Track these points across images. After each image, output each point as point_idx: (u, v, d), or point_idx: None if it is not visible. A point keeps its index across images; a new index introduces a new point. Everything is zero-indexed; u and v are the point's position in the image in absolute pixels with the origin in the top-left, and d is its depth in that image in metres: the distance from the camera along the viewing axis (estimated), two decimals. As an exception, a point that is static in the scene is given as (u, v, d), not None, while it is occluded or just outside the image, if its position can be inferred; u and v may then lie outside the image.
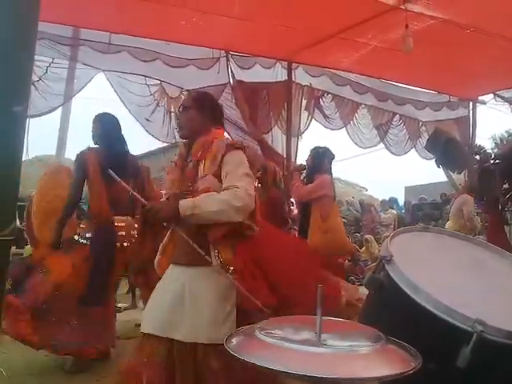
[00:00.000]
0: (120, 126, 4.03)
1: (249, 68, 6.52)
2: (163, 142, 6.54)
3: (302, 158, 6.78)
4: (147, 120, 6.22)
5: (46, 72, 5.48)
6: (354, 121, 7.51)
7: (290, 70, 6.76)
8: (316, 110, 7.13)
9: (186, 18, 5.20)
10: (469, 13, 4.92)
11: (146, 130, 6.26)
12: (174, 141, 6.37)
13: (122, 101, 6.03)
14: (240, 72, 6.48)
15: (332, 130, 7.35)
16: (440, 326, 1.55)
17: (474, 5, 4.73)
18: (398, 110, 7.87)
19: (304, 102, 7.00)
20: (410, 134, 8.04)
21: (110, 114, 4.08)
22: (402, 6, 4.81)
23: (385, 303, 1.85)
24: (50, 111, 5.63)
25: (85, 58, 5.61)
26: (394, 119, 7.90)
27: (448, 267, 1.94)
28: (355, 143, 7.62)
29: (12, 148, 1.55)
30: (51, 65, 5.49)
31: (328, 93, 7.20)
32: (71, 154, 6.05)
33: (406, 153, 8.10)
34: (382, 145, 7.91)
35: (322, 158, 4.88)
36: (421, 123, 8.13)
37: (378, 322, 1.56)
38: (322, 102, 7.17)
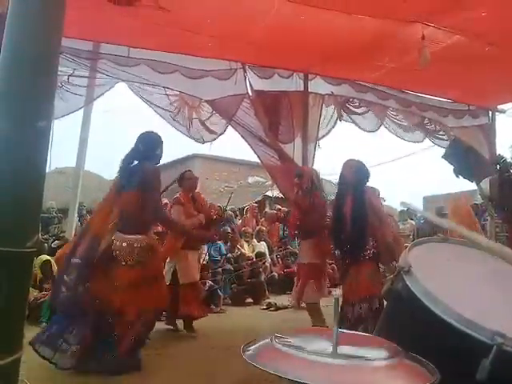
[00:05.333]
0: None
1: (268, 78, 6.52)
2: (195, 139, 6.52)
3: (318, 165, 6.77)
4: (173, 119, 6.27)
5: (68, 80, 5.59)
6: (387, 120, 7.48)
7: (306, 82, 6.75)
8: (344, 113, 7.09)
9: (203, 31, 5.26)
10: (487, 28, 4.84)
11: (173, 126, 6.27)
12: (202, 139, 6.48)
13: (145, 101, 6.07)
14: (260, 82, 6.48)
15: (368, 131, 7.35)
16: (459, 338, 1.54)
17: (492, 20, 4.63)
18: (425, 115, 7.81)
19: (327, 108, 6.97)
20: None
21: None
22: (420, 21, 4.78)
23: (403, 314, 1.84)
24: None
25: (104, 71, 5.68)
26: (425, 121, 7.84)
27: (468, 278, 1.93)
28: (402, 139, 7.68)
29: (36, 162, 1.56)
30: (72, 74, 5.58)
31: (353, 98, 7.14)
32: (91, 166, 6.17)
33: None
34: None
35: None
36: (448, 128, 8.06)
37: (396, 333, 1.56)
38: (349, 106, 7.12)
